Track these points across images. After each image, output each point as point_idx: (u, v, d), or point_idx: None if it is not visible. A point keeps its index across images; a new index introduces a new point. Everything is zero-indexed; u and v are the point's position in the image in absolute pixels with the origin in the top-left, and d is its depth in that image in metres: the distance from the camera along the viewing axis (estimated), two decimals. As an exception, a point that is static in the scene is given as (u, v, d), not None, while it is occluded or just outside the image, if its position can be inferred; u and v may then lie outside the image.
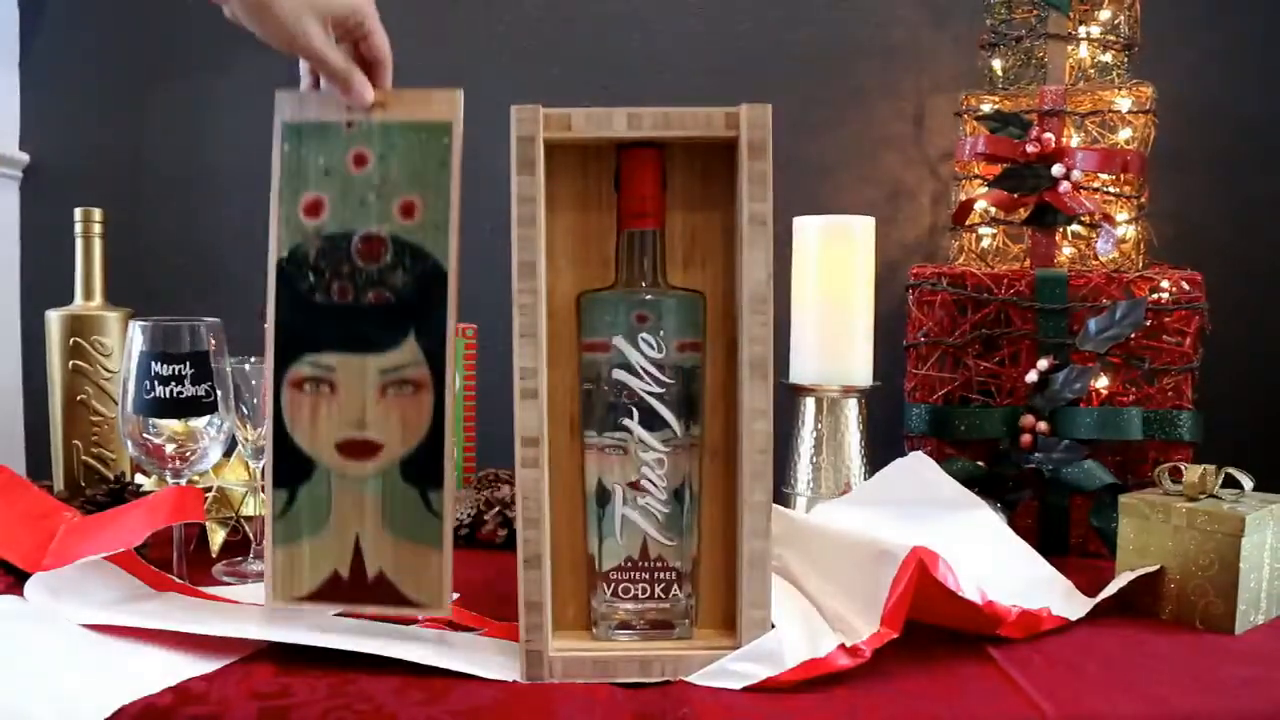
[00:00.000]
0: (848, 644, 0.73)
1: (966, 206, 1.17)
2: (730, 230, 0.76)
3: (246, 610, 0.82)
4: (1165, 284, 1.06)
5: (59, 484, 1.15)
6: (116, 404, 1.00)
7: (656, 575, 0.75)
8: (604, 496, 0.75)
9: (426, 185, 0.76)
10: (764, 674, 0.71)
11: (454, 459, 0.77)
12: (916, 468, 1.00)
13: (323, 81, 0.77)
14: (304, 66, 0.80)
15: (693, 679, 0.72)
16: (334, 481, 0.76)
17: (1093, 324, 1.04)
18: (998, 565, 0.86)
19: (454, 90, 0.77)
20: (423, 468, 0.76)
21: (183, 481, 0.95)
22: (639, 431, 0.74)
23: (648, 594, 0.75)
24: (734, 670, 0.71)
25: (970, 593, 0.77)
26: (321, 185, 0.77)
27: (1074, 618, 0.83)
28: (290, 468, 0.77)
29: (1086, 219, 1.12)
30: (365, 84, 0.77)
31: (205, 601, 0.85)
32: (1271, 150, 1.38)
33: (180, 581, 0.88)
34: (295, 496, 0.77)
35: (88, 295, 1.16)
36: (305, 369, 0.76)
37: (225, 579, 0.95)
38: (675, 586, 0.75)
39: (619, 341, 0.74)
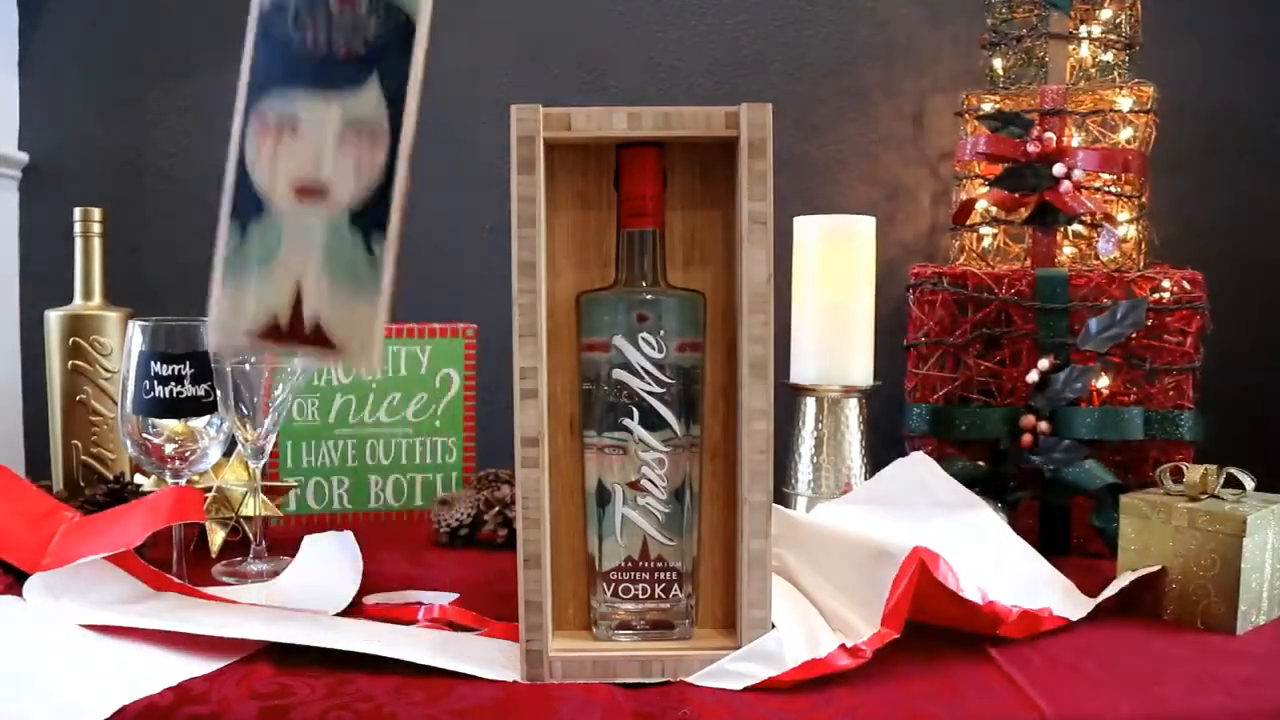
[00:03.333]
0: (848, 644, 0.73)
1: (967, 206, 1.17)
2: (730, 230, 0.76)
3: (246, 610, 0.82)
4: (1166, 284, 1.06)
5: (58, 484, 1.15)
6: (116, 404, 1.00)
7: (656, 575, 0.75)
8: (604, 496, 0.75)
9: None
10: (764, 674, 0.71)
11: (402, 209, 0.76)
12: (917, 468, 1.00)
13: None
14: None
15: (693, 679, 0.72)
16: (285, 223, 0.77)
17: (1094, 324, 1.04)
18: (998, 565, 0.86)
19: None
20: (369, 213, 0.76)
21: (182, 481, 0.95)
22: (639, 431, 0.74)
23: (648, 594, 0.75)
24: (734, 670, 0.71)
25: (971, 593, 0.77)
26: None
27: (1075, 618, 0.83)
28: (246, 202, 0.78)
29: (1087, 219, 1.12)
30: None
31: (204, 602, 0.85)
32: (1272, 150, 1.38)
33: (180, 582, 0.88)
34: (247, 231, 0.77)
35: (87, 295, 1.16)
36: (273, 104, 0.78)
37: (225, 579, 0.95)
38: (675, 586, 0.75)
39: (619, 341, 0.74)
